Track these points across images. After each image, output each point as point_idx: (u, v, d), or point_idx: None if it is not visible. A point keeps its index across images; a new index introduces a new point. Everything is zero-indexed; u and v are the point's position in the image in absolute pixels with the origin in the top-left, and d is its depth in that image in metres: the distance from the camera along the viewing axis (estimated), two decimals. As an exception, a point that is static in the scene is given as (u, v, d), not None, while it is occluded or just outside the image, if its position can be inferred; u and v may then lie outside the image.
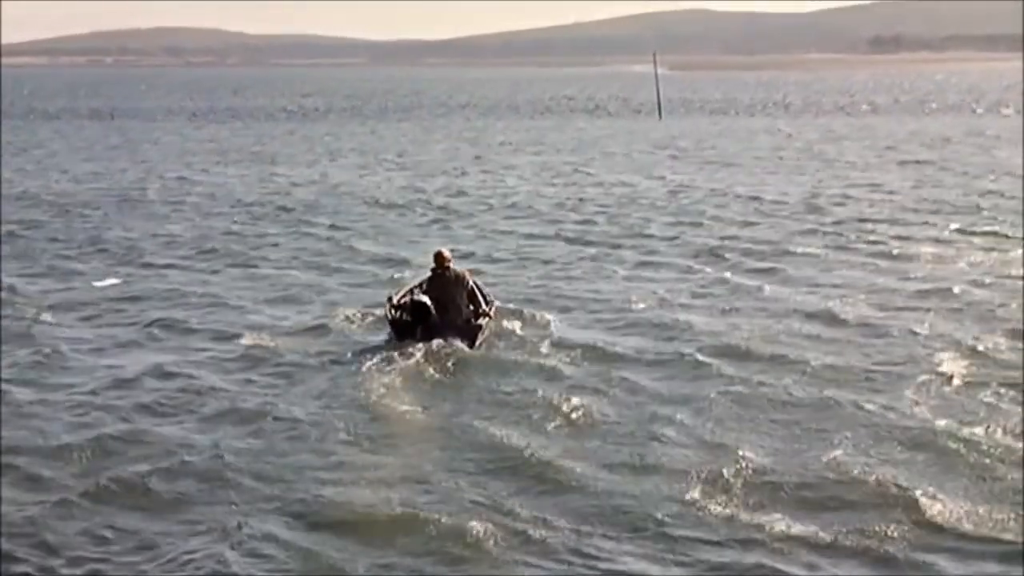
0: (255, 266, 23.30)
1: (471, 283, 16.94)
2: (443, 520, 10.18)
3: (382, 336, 16.68)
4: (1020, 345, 15.94)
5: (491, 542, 9.83)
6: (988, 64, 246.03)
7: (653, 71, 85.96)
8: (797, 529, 10.05)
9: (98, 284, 21.32)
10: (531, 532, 10.03)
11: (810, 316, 17.99)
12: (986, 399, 13.59)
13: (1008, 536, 9.91)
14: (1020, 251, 23.59)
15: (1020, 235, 25.61)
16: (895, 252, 23.97)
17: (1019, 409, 13.16)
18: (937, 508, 10.39)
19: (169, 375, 15.13)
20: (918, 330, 16.86)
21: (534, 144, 56.11)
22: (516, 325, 17.25)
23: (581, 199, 33.65)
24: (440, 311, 16.23)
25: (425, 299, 16.30)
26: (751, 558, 9.56)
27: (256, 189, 36.70)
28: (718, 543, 9.83)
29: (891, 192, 34.43)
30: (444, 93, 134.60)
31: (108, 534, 10.19)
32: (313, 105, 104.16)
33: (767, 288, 20.34)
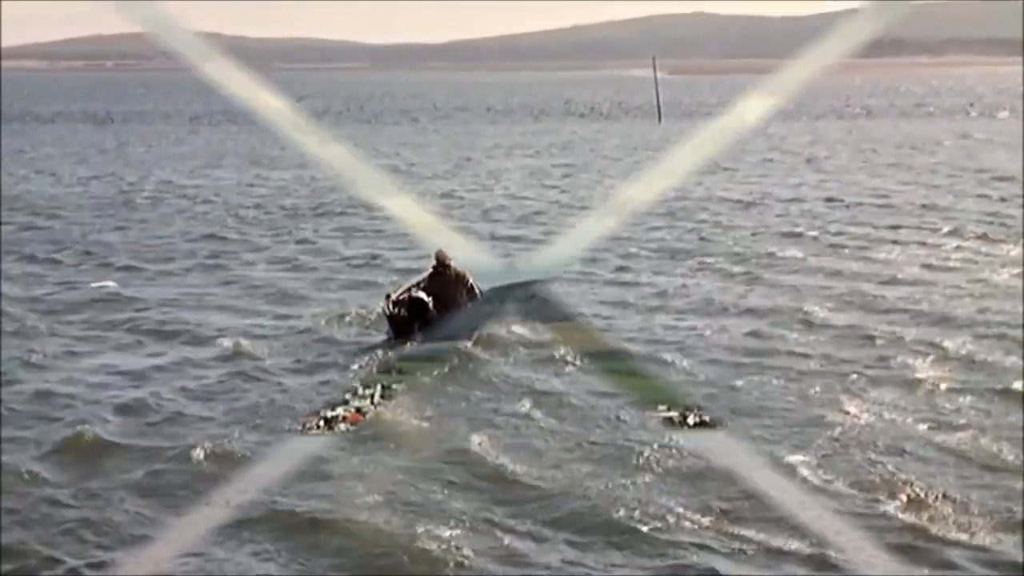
0: (247, 269, 23.45)
1: (471, 282, 17.09)
2: (434, 524, 10.26)
3: (376, 338, 16.81)
4: (1010, 349, 15.97)
5: (482, 545, 9.91)
6: (988, 68, 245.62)
7: (652, 75, 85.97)
8: (786, 535, 10.06)
9: (92, 286, 21.45)
10: (525, 538, 10.12)
11: (797, 320, 18.04)
12: (976, 404, 13.62)
13: (1003, 544, 9.89)
14: (1012, 254, 23.71)
15: (1010, 238, 25.74)
16: (883, 256, 24.03)
17: (1009, 415, 13.17)
18: (927, 514, 10.42)
19: (163, 377, 15.29)
20: (905, 334, 16.91)
21: (528, 147, 56.19)
22: (504, 328, 17.36)
23: (571, 202, 33.81)
24: (439, 309, 16.40)
25: (424, 296, 16.48)
26: (738, 565, 9.63)
27: (249, 193, 36.85)
28: (708, 547, 9.89)
29: (881, 195, 34.52)
30: (441, 96, 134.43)
31: (102, 535, 10.31)
32: (310, 108, 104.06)
33: (754, 291, 20.47)
